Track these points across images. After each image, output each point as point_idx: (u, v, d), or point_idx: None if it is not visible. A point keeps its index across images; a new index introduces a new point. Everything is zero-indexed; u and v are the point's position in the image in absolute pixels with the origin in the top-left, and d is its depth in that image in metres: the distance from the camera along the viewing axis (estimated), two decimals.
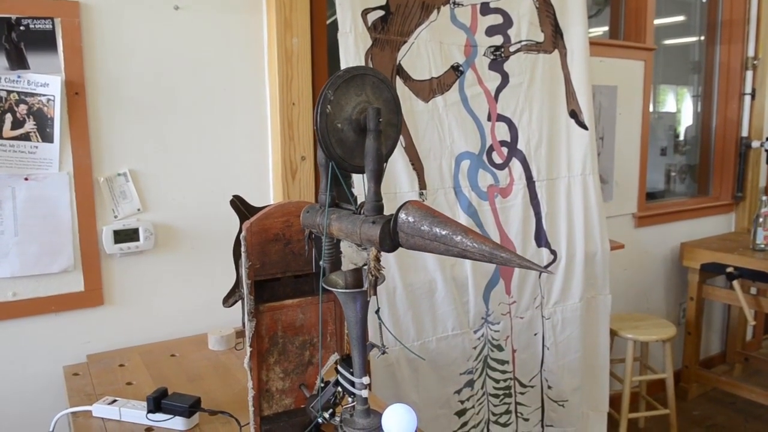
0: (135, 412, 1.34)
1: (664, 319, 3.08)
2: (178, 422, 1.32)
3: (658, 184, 3.66)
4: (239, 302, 0.95)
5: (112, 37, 1.69)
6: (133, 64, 1.72)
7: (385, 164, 0.76)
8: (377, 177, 0.70)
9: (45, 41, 1.61)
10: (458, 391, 2.19)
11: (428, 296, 2.08)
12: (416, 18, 2.01)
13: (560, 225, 2.35)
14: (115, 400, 1.39)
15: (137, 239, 1.76)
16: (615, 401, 2.83)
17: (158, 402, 1.33)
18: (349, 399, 0.81)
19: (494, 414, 2.30)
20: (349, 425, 0.78)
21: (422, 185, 2.04)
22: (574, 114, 2.38)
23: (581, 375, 2.47)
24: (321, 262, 0.81)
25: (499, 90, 2.21)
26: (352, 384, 0.79)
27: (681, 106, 3.78)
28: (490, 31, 2.18)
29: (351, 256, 0.72)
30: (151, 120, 1.76)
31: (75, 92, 1.65)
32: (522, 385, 2.36)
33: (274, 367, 0.98)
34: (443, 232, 0.61)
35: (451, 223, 0.61)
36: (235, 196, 1.08)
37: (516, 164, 2.26)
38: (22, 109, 1.60)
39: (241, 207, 1.04)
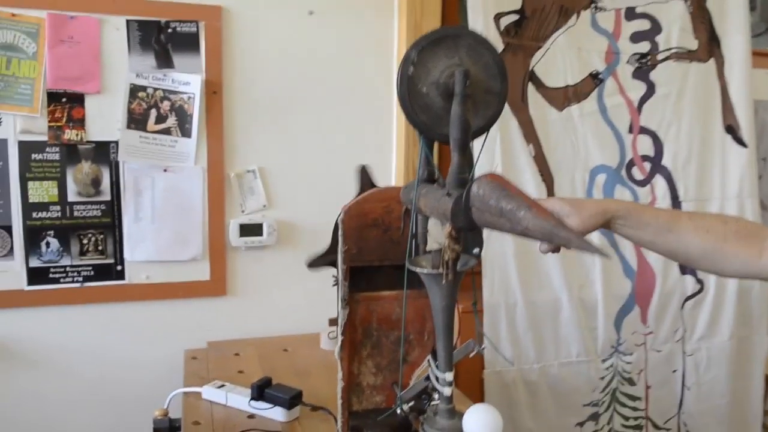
0: (240, 398, 1.37)
1: None
2: (278, 413, 1.32)
3: None
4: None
5: (249, 39, 1.77)
6: (266, 66, 1.79)
7: (485, 136, 0.69)
8: (462, 147, 0.64)
9: (189, 43, 1.72)
10: (581, 424, 2.01)
11: (552, 317, 1.94)
12: (553, 23, 1.92)
13: None
14: (223, 385, 1.43)
15: (261, 234, 1.81)
16: None
17: (261, 390, 1.34)
18: (435, 396, 0.74)
19: None
20: (430, 424, 0.71)
21: None
22: (732, 129, 2.14)
23: (728, 424, 2.18)
24: (410, 241, 0.75)
25: (643, 100, 2.04)
26: (437, 380, 0.73)
27: None
28: (636, 38, 2.02)
29: (436, 234, 0.66)
30: (280, 120, 1.82)
31: (213, 91, 1.75)
32: (656, 426, 2.13)
33: (367, 360, 0.94)
34: (508, 207, 0.54)
35: (519, 198, 0.54)
36: (363, 165, 1.05)
37: (660, 182, 2.07)
38: (166, 105, 1.72)
39: (368, 177, 1.01)
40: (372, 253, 0.90)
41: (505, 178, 0.58)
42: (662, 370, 2.11)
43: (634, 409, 2.09)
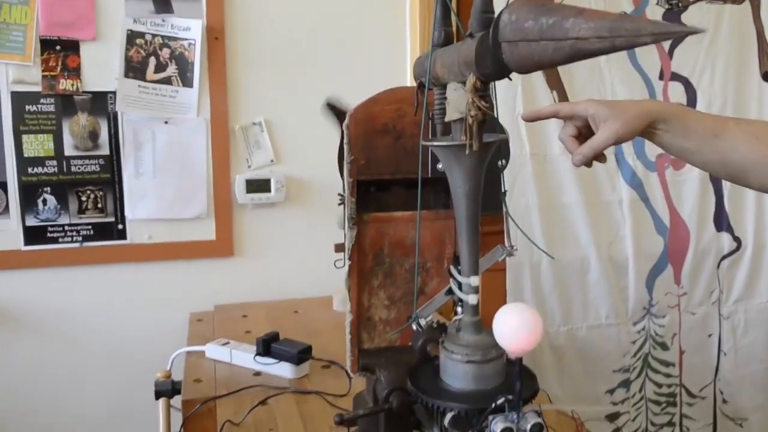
0: (245, 355, 1.27)
1: None
2: (286, 369, 1.23)
3: None
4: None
5: None
6: (271, 11, 1.68)
7: None
8: None
9: None
10: (611, 391, 1.90)
11: (579, 276, 1.83)
12: None
13: (747, 206, 1.97)
14: (227, 342, 1.33)
15: (269, 190, 1.71)
16: None
17: (268, 345, 1.24)
18: (458, 310, 0.63)
19: (653, 424, 1.97)
20: (452, 341, 0.60)
21: None
22: None
23: (767, 391, 2.05)
24: (423, 118, 0.64)
25: (674, 45, 1.91)
26: (460, 288, 0.62)
27: None
28: None
29: (456, 102, 0.55)
30: (287, 70, 1.71)
31: (215, 37, 1.65)
32: (690, 394, 2.01)
33: (378, 291, 0.83)
34: (550, 21, 0.43)
35: (564, 8, 0.43)
36: (327, 100, 0.92)
37: None
38: (165, 53, 1.62)
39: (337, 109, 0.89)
40: (382, 164, 0.79)
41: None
42: (697, 334, 1.98)
43: (668, 375, 1.97)
